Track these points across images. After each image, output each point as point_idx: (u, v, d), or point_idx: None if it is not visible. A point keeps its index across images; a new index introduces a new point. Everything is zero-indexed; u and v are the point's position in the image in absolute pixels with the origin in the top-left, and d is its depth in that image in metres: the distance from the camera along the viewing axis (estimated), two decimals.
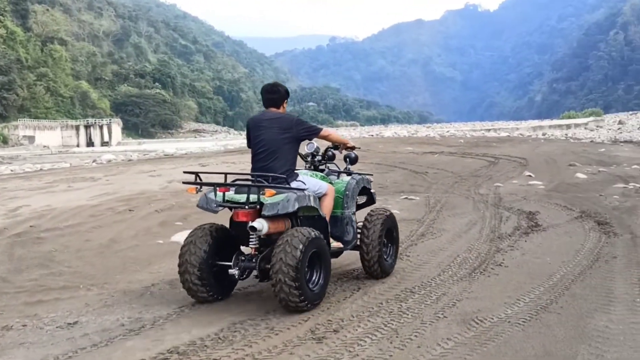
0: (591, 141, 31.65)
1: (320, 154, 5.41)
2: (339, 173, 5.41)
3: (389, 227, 5.38)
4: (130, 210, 8.54)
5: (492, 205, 9.50)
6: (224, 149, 31.92)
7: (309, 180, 4.84)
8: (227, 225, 4.75)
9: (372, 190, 5.58)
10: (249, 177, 4.70)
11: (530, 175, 14.47)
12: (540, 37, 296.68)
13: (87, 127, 77.50)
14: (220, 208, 4.56)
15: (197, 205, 4.70)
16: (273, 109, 4.92)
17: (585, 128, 58.36)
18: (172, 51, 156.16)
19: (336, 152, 5.43)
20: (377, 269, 5.16)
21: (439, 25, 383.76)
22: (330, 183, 5.11)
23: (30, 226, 7.38)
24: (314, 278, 4.49)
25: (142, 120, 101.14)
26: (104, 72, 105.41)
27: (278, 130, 4.76)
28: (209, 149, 36.21)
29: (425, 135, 41.35)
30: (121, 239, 6.84)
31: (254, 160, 4.83)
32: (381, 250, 5.17)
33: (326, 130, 5.18)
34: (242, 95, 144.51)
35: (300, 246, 4.22)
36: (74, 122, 78.32)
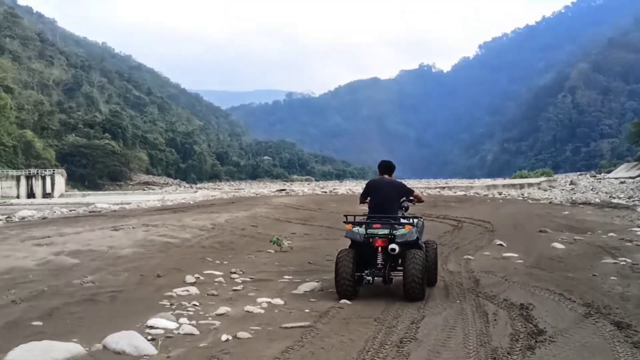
0: (550, 202, 30.51)
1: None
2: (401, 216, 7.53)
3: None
4: None
5: (468, 291, 7.45)
6: (161, 205, 29.47)
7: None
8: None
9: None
10: (377, 218, 7.20)
11: (501, 245, 12.64)
12: (491, 99, 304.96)
13: (28, 177, 72.95)
14: (364, 238, 6.97)
15: (345, 236, 7.22)
16: (387, 176, 7.64)
17: (539, 188, 58.02)
18: (126, 102, 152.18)
19: (410, 203, 7.88)
20: (434, 277, 7.71)
21: (394, 84, 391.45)
22: None
23: None
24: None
25: (89, 171, 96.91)
26: (51, 121, 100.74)
27: (393, 189, 7.52)
28: (150, 203, 33.94)
29: None
30: None
31: (374, 206, 7.42)
32: (437, 266, 7.88)
33: (414, 191, 7.78)
34: (195, 148, 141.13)
35: (421, 260, 6.78)
36: (14, 173, 73.65)
